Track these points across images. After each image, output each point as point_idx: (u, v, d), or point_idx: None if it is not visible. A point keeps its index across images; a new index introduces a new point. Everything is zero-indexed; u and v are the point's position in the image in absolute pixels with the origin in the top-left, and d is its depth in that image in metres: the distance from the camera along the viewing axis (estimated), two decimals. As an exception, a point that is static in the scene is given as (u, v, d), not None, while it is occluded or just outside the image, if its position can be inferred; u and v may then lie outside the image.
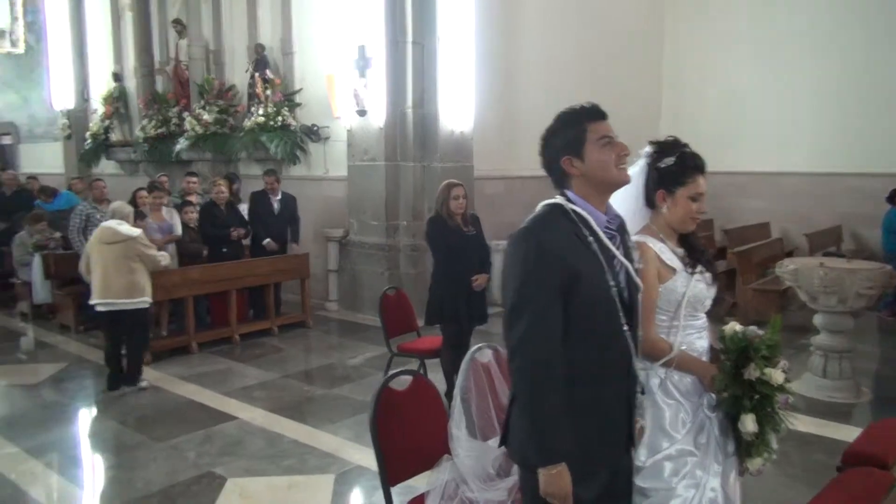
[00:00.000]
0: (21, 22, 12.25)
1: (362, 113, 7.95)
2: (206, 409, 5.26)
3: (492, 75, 8.42)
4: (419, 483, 2.91)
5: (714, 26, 10.20)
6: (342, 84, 8.19)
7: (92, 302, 5.61)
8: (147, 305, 5.72)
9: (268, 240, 7.49)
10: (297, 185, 8.51)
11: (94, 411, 5.41)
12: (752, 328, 2.33)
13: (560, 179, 2.02)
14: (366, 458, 4.31)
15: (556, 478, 1.87)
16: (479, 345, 3.05)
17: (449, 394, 4.32)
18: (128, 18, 11.49)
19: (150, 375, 5.98)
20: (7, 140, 15.83)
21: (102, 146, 11.79)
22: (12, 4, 11.94)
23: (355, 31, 7.92)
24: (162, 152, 10.40)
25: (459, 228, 4.90)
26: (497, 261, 7.07)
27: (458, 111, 7.98)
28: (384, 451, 2.60)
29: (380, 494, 3.67)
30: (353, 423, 4.91)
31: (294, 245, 7.87)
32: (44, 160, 13.93)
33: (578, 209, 1.95)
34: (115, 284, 5.48)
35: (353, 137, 8.20)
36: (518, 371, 1.92)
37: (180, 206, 7.51)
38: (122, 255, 5.50)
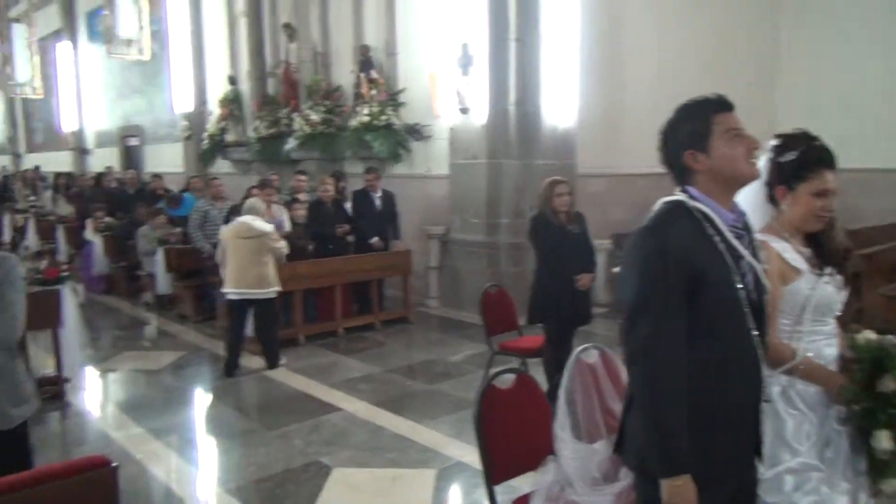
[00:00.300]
0: (147, 31, 13.10)
1: (464, 111, 7.99)
2: (313, 400, 5.43)
3: (596, 69, 8.24)
4: (522, 483, 2.89)
5: (833, 15, 9.53)
6: (444, 82, 8.25)
7: (224, 290, 6.05)
8: (275, 295, 6.10)
9: (375, 238, 7.65)
10: (400, 184, 8.64)
11: (210, 397, 5.71)
12: (890, 337, 2.15)
13: (682, 175, 1.91)
14: (466, 454, 4.33)
15: (681, 489, 1.77)
16: (585, 345, 2.98)
17: (551, 394, 4.26)
18: (242, 24, 12.05)
19: (259, 365, 6.26)
20: (134, 142, 17.01)
21: (219, 146, 12.44)
22: (139, 15, 12.76)
23: (458, 29, 7.96)
24: (273, 152, 10.84)
25: (563, 226, 4.82)
26: (601, 260, 6.95)
27: (561, 107, 7.87)
28: (488, 448, 2.58)
29: (481, 492, 3.67)
30: (453, 420, 4.93)
31: (396, 241, 8.00)
32: (166, 160, 14.85)
33: (702, 207, 1.85)
34: (248, 275, 5.92)
35: (455, 136, 8.25)
36: (639, 375, 1.83)
37: (290, 204, 7.81)
38: (256, 249, 5.94)
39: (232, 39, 12.50)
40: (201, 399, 5.73)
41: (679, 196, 1.90)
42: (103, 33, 14.03)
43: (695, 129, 1.88)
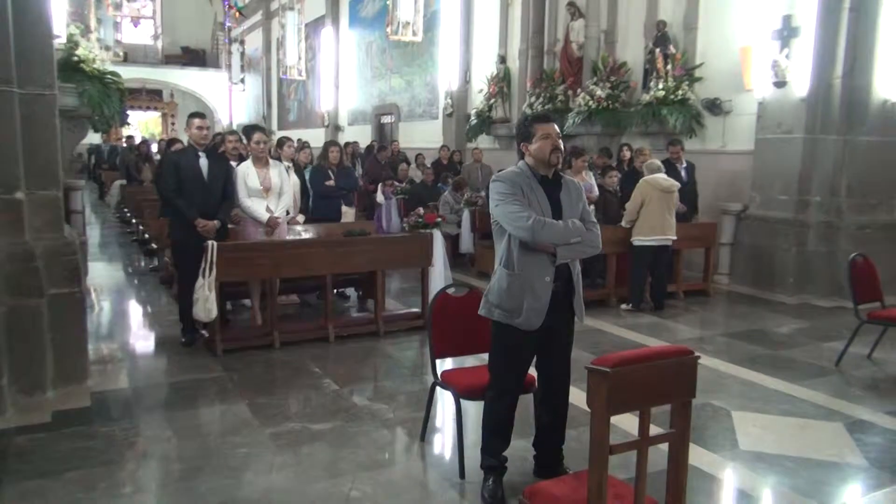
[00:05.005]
0: (421, 15, 14.06)
1: (780, 84, 7.81)
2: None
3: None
4: None
5: None
6: (759, 56, 8.11)
7: (641, 238, 6.88)
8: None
9: (685, 208, 7.77)
10: (690, 159, 8.60)
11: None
12: None
13: None
14: (863, 413, 4.36)
15: None
16: None
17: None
18: (516, 5, 12.58)
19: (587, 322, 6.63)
20: (388, 119, 18.39)
21: (486, 122, 13.10)
22: (416, 0, 13.76)
23: (777, 0, 7.80)
24: (546, 127, 11.22)
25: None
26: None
27: (893, 79, 7.44)
28: None
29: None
30: (823, 383, 4.95)
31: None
32: (418, 136, 15.96)
33: None
34: (667, 224, 6.96)
35: (765, 110, 8.10)
36: None
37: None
38: (670, 202, 6.97)
39: (503, 21, 13.10)
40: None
41: None
42: (382, 16, 15.26)
43: None
